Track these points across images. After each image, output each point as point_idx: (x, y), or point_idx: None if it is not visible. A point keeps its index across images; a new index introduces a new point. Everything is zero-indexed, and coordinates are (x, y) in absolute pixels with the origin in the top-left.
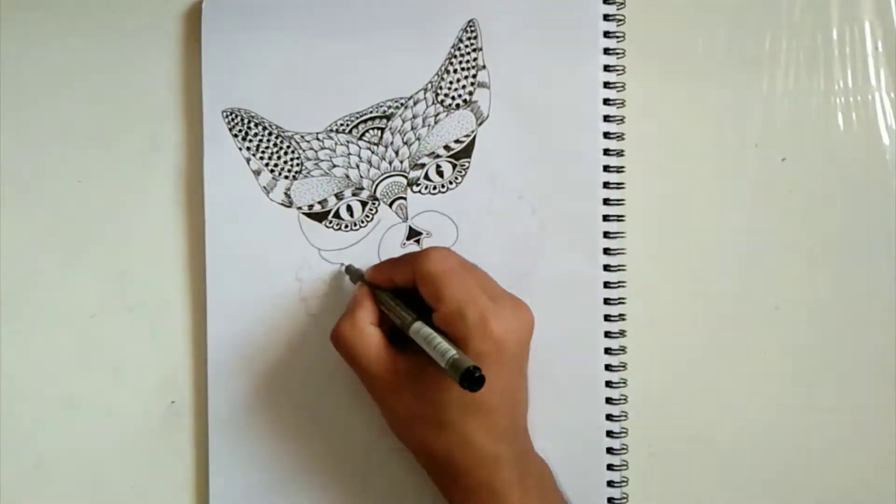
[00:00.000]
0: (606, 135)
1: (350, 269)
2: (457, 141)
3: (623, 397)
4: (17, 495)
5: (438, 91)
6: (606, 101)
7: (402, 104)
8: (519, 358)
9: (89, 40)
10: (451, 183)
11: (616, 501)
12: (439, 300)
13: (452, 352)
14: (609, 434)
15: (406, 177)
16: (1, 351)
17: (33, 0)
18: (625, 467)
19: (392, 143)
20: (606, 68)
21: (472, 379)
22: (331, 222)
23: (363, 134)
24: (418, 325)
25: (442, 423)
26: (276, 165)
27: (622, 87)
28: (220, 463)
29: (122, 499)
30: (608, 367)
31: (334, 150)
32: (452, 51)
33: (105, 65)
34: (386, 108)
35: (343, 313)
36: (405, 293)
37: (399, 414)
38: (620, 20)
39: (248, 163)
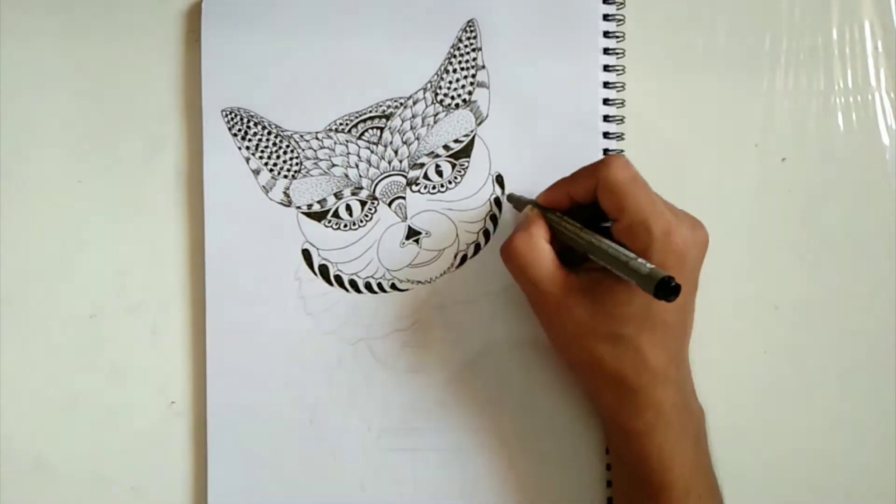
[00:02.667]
0: (606, 135)
1: (513, 197)
2: (456, 140)
3: None
4: (17, 495)
5: (438, 91)
6: (606, 101)
7: (401, 104)
8: (695, 274)
9: (89, 40)
10: (450, 182)
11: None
12: (623, 210)
13: (645, 263)
14: None
15: (405, 176)
16: (1, 351)
17: (33, 0)
18: None
19: (391, 142)
20: (606, 68)
21: (667, 289)
22: (330, 221)
23: (362, 133)
24: (599, 240)
25: (617, 337)
26: (275, 165)
27: (622, 87)
28: (220, 463)
29: (122, 499)
30: None
31: (333, 150)
32: (452, 50)
33: (105, 65)
34: (385, 108)
35: (514, 230)
36: (574, 215)
37: (569, 329)
38: (620, 20)
39: (247, 162)
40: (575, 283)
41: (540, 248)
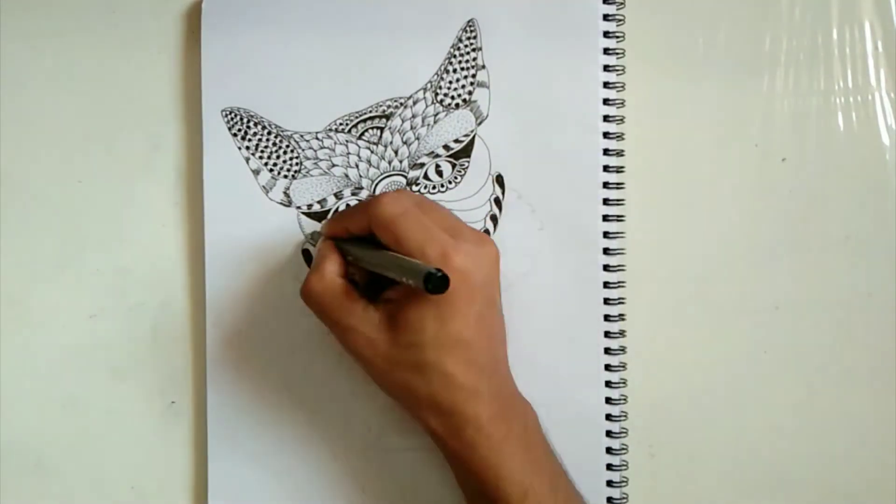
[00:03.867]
0: (606, 135)
1: (315, 235)
2: (456, 140)
3: (623, 397)
4: (17, 495)
5: (438, 91)
6: (606, 101)
7: (401, 104)
8: (488, 290)
9: (89, 40)
10: (450, 182)
11: (616, 501)
12: (398, 243)
13: (414, 262)
14: (609, 434)
15: (405, 176)
16: (1, 351)
17: (33, 0)
18: (625, 467)
19: (391, 142)
20: (606, 68)
21: (436, 280)
22: None
23: (362, 133)
24: (380, 251)
25: (421, 366)
26: (275, 165)
27: (622, 87)
28: (220, 463)
29: (122, 498)
30: (608, 367)
31: (333, 150)
32: (452, 50)
33: (105, 65)
34: (385, 108)
35: (310, 269)
36: (367, 240)
37: (377, 364)
38: (620, 20)
39: (247, 162)
40: (375, 316)
41: (336, 284)
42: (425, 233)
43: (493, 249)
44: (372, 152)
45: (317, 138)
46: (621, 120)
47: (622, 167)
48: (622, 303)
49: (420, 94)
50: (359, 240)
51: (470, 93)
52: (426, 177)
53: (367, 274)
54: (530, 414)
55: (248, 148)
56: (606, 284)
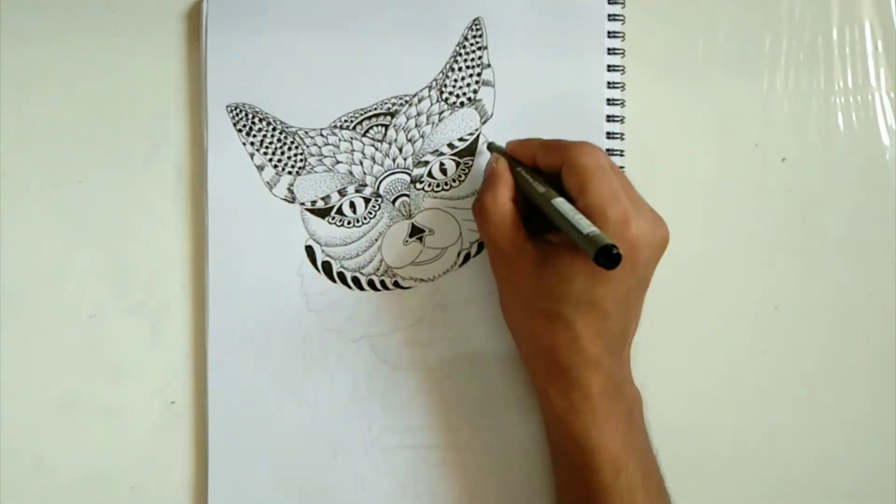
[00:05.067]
0: (610, 135)
1: (493, 146)
2: (461, 139)
3: None
4: (17, 495)
5: (443, 89)
6: (609, 102)
7: (406, 101)
8: (647, 270)
9: (89, 40)
10: (454, 181)
11: None
12: (583, 193)
13: (593, 227)
14: None
15: (409, 174)
16: (1, 351)
17: (33, 0)
18: None
19: (396, 140)
20: (609, 68)
21: (608, 256)
22: (333, 218)
23: (367, 130)
24: (560, 200)
25: (554, 316)
26: (279, 161)
27: (623, 86)
28: (220, 463)
29: (122, 499)
30: None
31: (338, 147)
32: (458, 49)
33: (105, 64)
34: (390, 106)
35: (484, 185)
36: (543, 175)
37: (515, 298)
38: (621, 20)
39: (251, 158)
40: (530, 251)
41: (505, 209)
42: (612, 193)
43: (666, 232)
44: (376, 149)
45: (321, 135)
46: (622, 120)
47: (622, 167)
48: None
49: (425, 92)
50: (535, 171)
51: (475, 91)
52: (430, 175)
53: (529, 206)
54: (637, 402)
55: (252, 144)
56: None
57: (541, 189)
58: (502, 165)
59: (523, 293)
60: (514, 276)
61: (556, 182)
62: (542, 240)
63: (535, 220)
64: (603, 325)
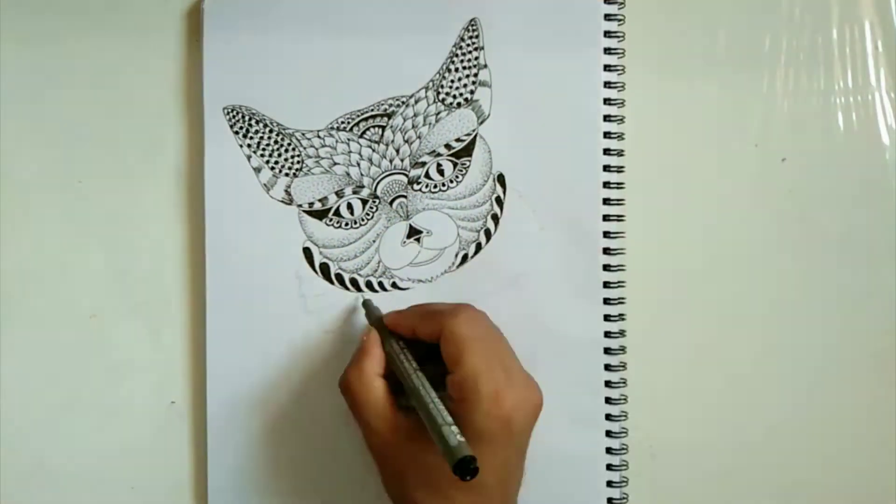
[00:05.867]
0: (606, 135)
1: (368, 305)
2: (458, 140)
3: (623, 397)
4: (17, 495)
5: (440, 89)
6: (607, 101)
7: (403, 102)
8: (522, 437)
9: (89, 40)
10: (451, 182)
11: (616, 501)
12: (458, 364)
13: (453, 437)
14: (609, 434)
15: (407, 175)
16: (1, 351)
17: (33, 0)
18: (625, 467)
19: (393, 141)
20: (607, 68)
21: (465, 469)
22: (331, 220)
23: (364, 132)
24: (423, 392)
25: (435, 490)
26: (276, 163)
27: (622, 87)
28: (220, 463)
29: (122, 499)
30: (608, 367)
31: (335, 148)
32: (454, 49)
33: (105, 64)
34: (387, 107)
35: (352, 359)
36: (416, 345)
37: (394, 471)
38: (620, 20)
39: (248, 160)
40: (404, 426)
41: (373, 386)
42: (486, 366)
43: (538, 397)
44: (373, 151)
45: (318, 136)
46: (621, 120)
47: (622, 167)
48: (622, 303)
49: (422, 93)
50: (408, 342)
51: (472, 92)
52: (427, 176)
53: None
54: None
55: (249, 146)
56: (606, 284)
57: (407, 375)
58: (372, 339)
59: (401, 468)
60: (390, 451)
61: (437, 351)
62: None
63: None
64: (482, 499)
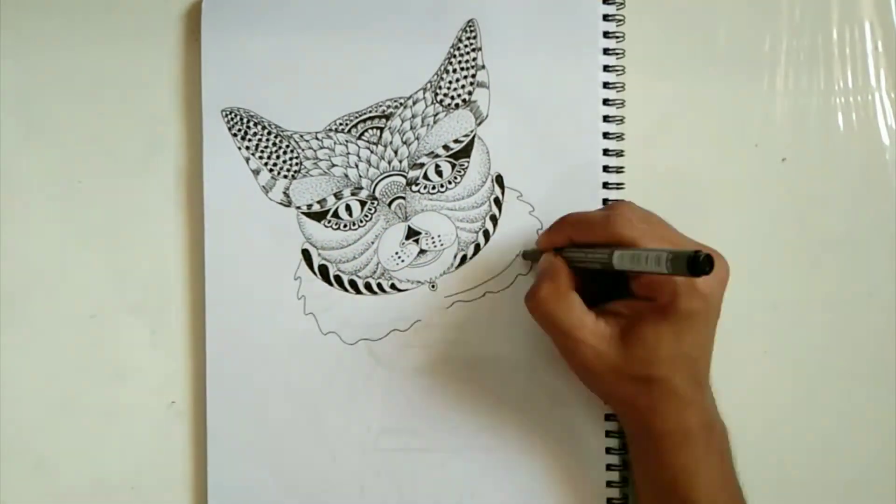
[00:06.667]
0: (606, 135)
1: (528, 254)
2: (456, 141)
3: None
4: (17, 495)
5: (438, 91)
6: (606, 101)
7: (401, 104)
8: (718, 310)
9: (89, 40)
10: (450, 183)
11: (616, 501)
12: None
13: (666, 252)
14: (609, 434)
15: (405, 176)
16: (1, 351)
17: (33, 0)
18: (625, 467)
19: (391, 142)
20: (606, 68)
21: (698, 263)
22: (329, 221)
23: (362, 133)
24: (619, 251)
25: (650, 379)
26: (275, 165)
27: (622, 87)
28: (220, 463)
29: (122, 499)
30: None
31: (333, 150)
32: (452, 50)
33: (105, 65)
34: (385, 108)
35: (538, 280)
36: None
37: (603, 375)
38: (620, 20)
39: (247, 162)
40: (606, 330)
41: (570, 299)
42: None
43: (725, 264)
44: (372, 152)
45: (316, 138)
46: (621, 120)
47: (622, 167)
48: None
49: (420, 94)
50: (580, 246)
51: (470, 93)
52: (426, 177)
53: (585, 287)
54: (726, 434)
55: (247, 148)
56: None
57: (597, 255)
58: (557, 261)
59: (612, 368)
60: (597, 358)
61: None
62: (610, 312)
63: (588, 296)
64: (694, 370)
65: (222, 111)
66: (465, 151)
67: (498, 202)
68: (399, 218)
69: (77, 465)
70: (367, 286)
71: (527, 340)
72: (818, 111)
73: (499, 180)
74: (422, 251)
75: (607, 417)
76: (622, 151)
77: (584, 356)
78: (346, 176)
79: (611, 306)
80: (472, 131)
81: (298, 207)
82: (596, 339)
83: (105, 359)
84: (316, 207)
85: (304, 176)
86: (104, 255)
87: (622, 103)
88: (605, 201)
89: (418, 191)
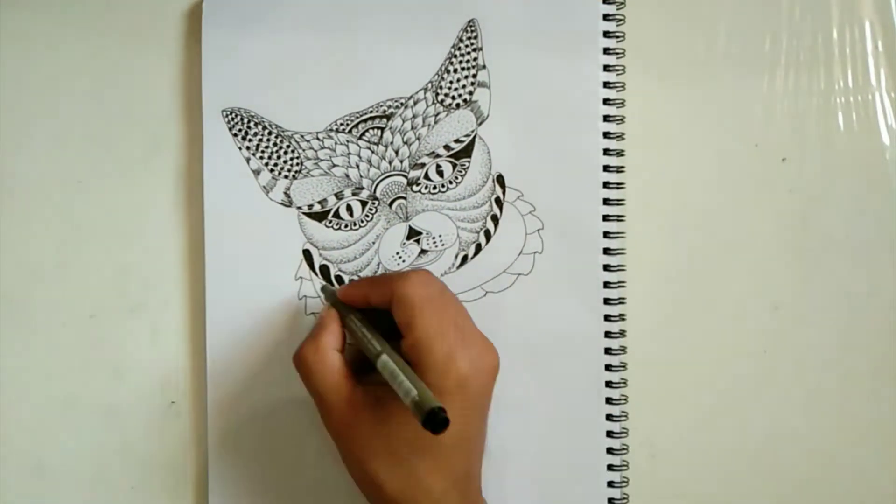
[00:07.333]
0: (606, 135)
1: (326, 290)
2: (457, 140)
3: (623, 397)
4: (17, 496)
5: (438, 91)
6: (606, 101)
7: (402, 104)
8: (481, 401)
9: (89, 40)
10: (451, 182)
11: (616, 502)
12: (410, 328)
13: (415, 391)
14: (609, 434)
15: (406, 176)
16: (1, 351)
17: (33, 0)
18: (625, 467)
19: (392, 142)
20: (606, 68)
21: (435, 420)
22: (330, 222)
23: (363, 133)
24: (384, 358)
25: (394, 460)
26: (275, 165)
27: (622, 87)
28: (220, 463)
29: (122, 499)
30: (608, 367)
31: (334, 150)
32: (453, 50)
33: (105, 65)
34: (386, 108)
35: (309, 333)
36: (375, 312)
37: (353, 447)
38: (620, 20)
39: (247, 162)
40: (360, 399)
41: (328, 360)
42: (439, 327)
43: (494, 359)
44: (372, 152)
45: (317, 138)
46: (621, 120)
47: (622, 167)
48: (622, 303)
49: (421, 94)
50: (364, 313)
51: (471, 93)
52: (427, 177)
53: (359, 352)
54: None
55: (248, 148)
56: (606, 284)
57: (367, 343)
58: (330, 315)
59: (360, 441)
60: (348, 426)
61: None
62: (374, 382)
63: (359, 365)
64: (444, 464)
65: (223, 111)
66: (466, 151)
67: (499, 202)
68: (400, 218)
69: (77, 465)
70: None
71: (527, 340)
72: (818, 111)
73: (500, 180)
74: (423, 251)
75: (608, 417)
76: (622, 151)
77: (337, 424)
78: (347, 176)
79: (375, 375)
80: (472, 131)
81: (299, 208)
82: (349, 407)
83: (105, 359)
84: (317, 208)
85: (305, 176)
86: (104, 255)
87: (622, 103)
88: (605, 201)
89: (419, 191)
